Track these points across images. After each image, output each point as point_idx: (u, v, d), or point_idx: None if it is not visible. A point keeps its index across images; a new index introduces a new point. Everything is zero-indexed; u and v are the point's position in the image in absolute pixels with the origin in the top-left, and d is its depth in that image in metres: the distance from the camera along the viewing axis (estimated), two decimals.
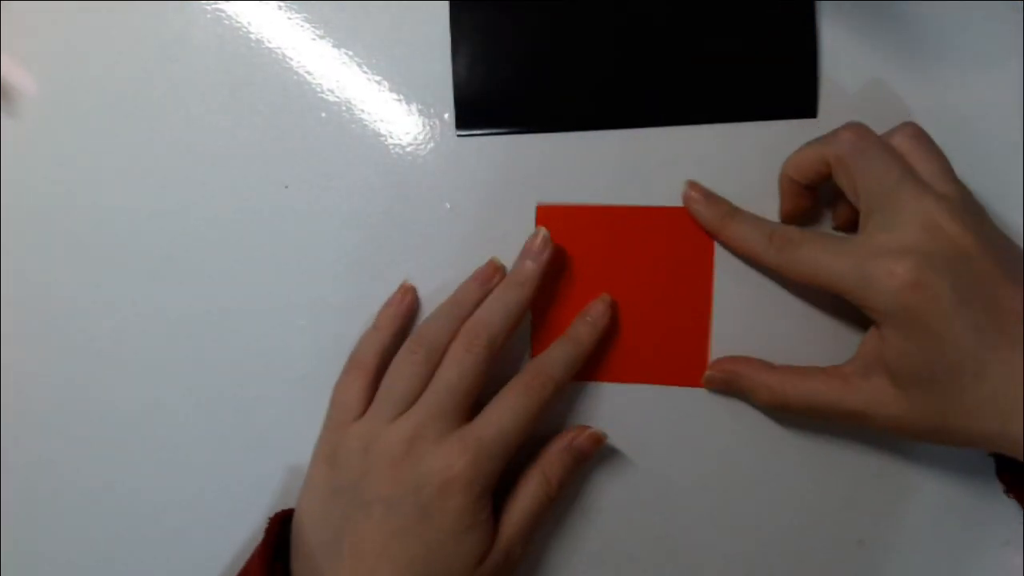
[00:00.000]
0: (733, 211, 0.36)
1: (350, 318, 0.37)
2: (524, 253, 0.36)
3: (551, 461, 0.34)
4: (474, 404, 0.33)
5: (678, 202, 0.37)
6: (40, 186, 0.38)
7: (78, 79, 0.38)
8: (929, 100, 0.38)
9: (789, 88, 0.37)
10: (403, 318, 0.36)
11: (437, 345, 0.34)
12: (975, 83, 0.38)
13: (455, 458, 0.31)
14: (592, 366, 0.37)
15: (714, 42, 0.37)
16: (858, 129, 0.32)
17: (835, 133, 0.33)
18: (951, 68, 0.38)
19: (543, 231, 0.36)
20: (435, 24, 0.37)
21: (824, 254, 0.32)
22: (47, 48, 0.38)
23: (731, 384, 0.36)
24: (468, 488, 0.31)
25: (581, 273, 0.37)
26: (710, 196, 0.36)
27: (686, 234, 0.37)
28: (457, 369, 0.33)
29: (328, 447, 0.34)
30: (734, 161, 0.37)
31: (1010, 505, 0.37)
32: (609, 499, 0.37)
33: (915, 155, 0.32)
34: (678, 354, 0.37)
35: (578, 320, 0.36)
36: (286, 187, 0.38)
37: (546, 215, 0.37)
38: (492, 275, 0.36)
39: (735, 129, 0.37)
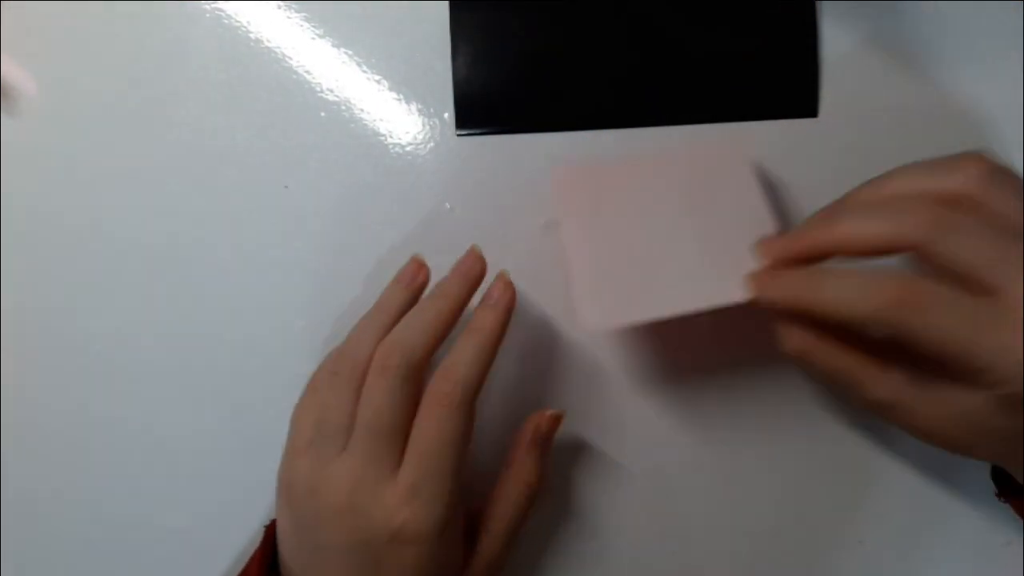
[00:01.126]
0: (812, 273, 0.30)
1: (350, 318, 0.37)
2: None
3: (521, 462, 0.33)
4: (407, 426, 0.31)
5: None
6: (40, 186, 0.38)
7: (78, 79, 0.38)
8: (929, 100, 0.38)
9: (790, 87, 0.37)
10: (412, 300, 0.33)
11: (359, 364, 0.31)
12: (975, 83, 0.38)
13: (395, 509, 0.29)
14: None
15: (715, 41, 0.37)
16: (933, 205, 0.27)
17: (908, 214, 0.27)
18: (951, 68, 0.38)
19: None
20: (435, 24, 0.37)
21: (958, 320, 0.27)
22: (47, 48, 0.38)
23: (802, 362, 0.31)
24: (416, 540, 0.29)
25: (622, 226, 0.33)
26: (776, 272, 0.31)
27: (714, 163, 0.33)
28: (375, 406, 0.30)
29: (285, 479, 0.32)
30: None
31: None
32: (608, 499, 0.37)
33: (997, 202, 0.27)
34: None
35: (480, 307, 0.32)
36: (286, 187, 0.38)
37: (562, 179, 0.34)
38: (416, 273, 0.34)
39: (736, 128, 0.37)
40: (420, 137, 0.38)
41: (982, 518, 0.37)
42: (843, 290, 0.28)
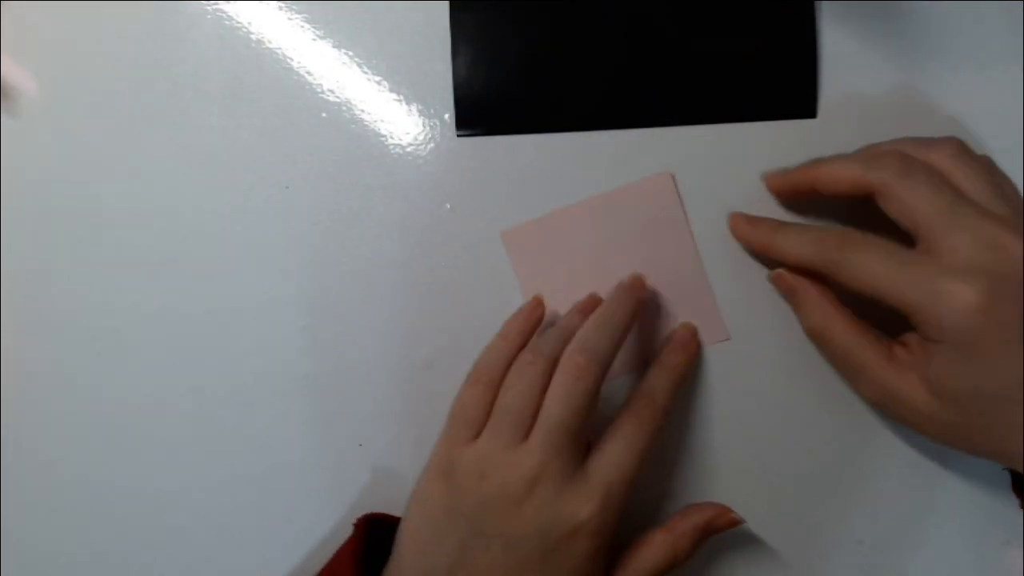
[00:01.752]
0: (778, 225, 0.35)
1: (350, 318, 0.37)
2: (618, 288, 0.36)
3: (684, 534, 0.33)
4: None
5: None
6: (40, 186, 0.38)
7: (78, 79, 0.38)
8: (929, 100, 0.38)
9: (789, 88, 0.37)
10: (531, 332, 0.35)
11: (552, 356, 0.32)
12: (975, 83, 0.38)
13: (581, 504, 0.30)
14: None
15: (714, 42, 0.37)
16: (901, 155, 0.31)
17: (879, 159, 0.31)
18: (951, 68, 0.38)
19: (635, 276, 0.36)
20: (435, 24, 0.37)
21: (888, 263, 0.30)
22: (47, 48, 0.38)
23: (792, 295, 0.35)
24: (596, 535, 0.30)
25: (570, 280, 0.37)
26: (753, 218, 0.36)
27: (651, 206, 0.37)
28: (569, 403, 0.31)
29: (446, 463, 0.32)
30: (734, 161, 0.37)
31: (1010, 505, 0.37)
32: None
33: (958, 174, 0.31)
34: (691, 319, 0.37)
35: (668, 348, 0.36)
36: (286, 187, 0.38)
37: (513, 237, 0.37)
38: (591, 309, 0.35)
39: (735, 129, 0.37)
40: (420, 137, 0.38)
41: (982, 518, 0.37)
42: (796, 234, 0.34)
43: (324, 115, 0.38)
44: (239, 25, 0.38)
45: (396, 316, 0.37)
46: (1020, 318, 0.29)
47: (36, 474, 0.38)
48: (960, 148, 0.32)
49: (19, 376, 0.38)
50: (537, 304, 0.36)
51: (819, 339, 0.34)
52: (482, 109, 0.37)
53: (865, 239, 0.32)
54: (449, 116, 0.38)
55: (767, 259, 0.36)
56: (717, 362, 0.38)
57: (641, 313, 0.36)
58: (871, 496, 0.38)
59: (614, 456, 0.32)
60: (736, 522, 0.34)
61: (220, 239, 0.38)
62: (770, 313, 0.37)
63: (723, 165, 0.37)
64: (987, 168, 0.32)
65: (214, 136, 0.38)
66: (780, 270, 0.35)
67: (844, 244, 0.32)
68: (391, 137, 0.38)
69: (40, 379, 0.38)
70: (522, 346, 0.34)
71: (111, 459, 0.38)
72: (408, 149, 0.38)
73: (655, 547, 0.33)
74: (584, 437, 0.32)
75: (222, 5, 0.38)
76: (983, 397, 0.30)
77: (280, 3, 0.38)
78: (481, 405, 0.32)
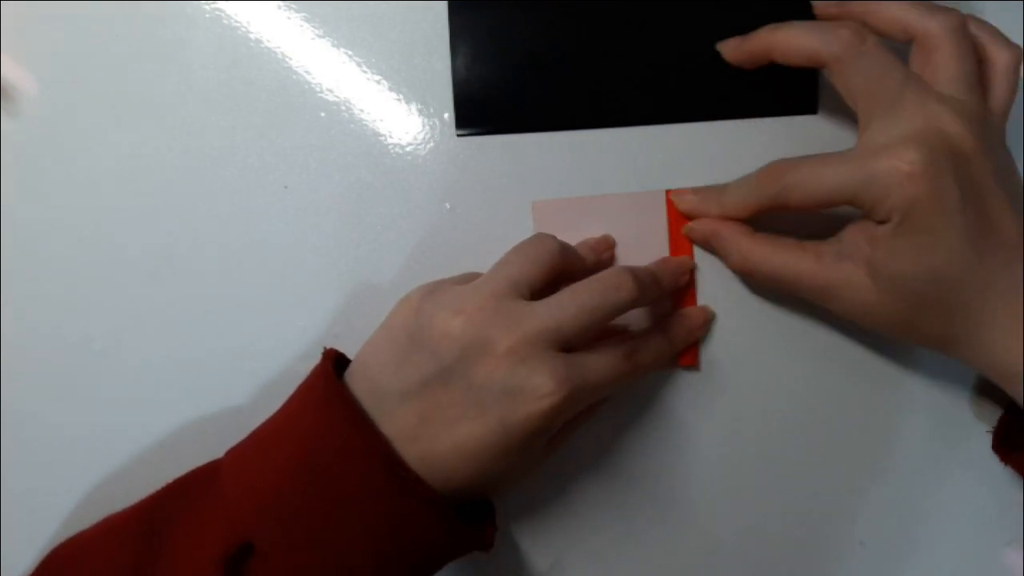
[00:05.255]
0: (721, 189, 0.36)
1: (350, 318, 0.37)
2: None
3: (645, 344, 0.34)
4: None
5: None
6: (40, 186, 0.38)
7: (78, 79, 0.38)
8: None
9: (789, 84, 0.37)
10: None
11: (581, 263, 0.34)
12: None
13: (555, 385, 0.29)
14: None
15: (714, 39, 0.37)
16: (856, 29, 0.31)
17: (832, 30, 0.31)
18: None
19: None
20: (435, 24, 0.37)
21: (821, 168, 0.31)
22: (47, 48, 0.38)
23: (709, 241, 0.36)
24: (552, 417, 0.30)
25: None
26: (697, 191, 0.36)
27: (659, 217, 0.37)
28: (607, 299, 0.31)
29: (420, 292, 0.32)
30: (735, 158, 0.37)
31: (1012, 506, 0.37)
32: (607, 500, 0.37)
33: (941, 52, 0.31)
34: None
35: (677, 324, 0.36)
36: (286, 187, 0.38)
37: (543, 209, 0.37)
38: (684, 272, 0.36)
39: (735, 126, 0.37)
40: (420, 137, 0.38)
41: (983, 520, 0.37)
42: (735, 187, 0.35)
43: (323, 115, 0.38)
44: (238, 25, 0.38)
45: None
46: (958, 194, 0.29)
47: (36, 475, 0.38)
48: (958, 24, 0.31)
49: (19, 376, 0.38)
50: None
51: (746, 271, 0.35)
52: (482, 108, 0.37)
53: (798, 160, 0.32)
54: (449, 115, 0.38)
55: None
56: (719, 361, 0.38)
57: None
58: (872, 498, 0.37)
59: (597, 366, 0.31)
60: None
61: (220, 239, 0.38)
62: (768, 309, 0.37)
63: (724, 162, 0.37)
64: (971, 58, 0.31)
65: (213, 136, 0.38)
66: (690, 223, 0.36)
67: (781, 173, 0.33)
68: (391, 137, 0.38)
69: (40, 379, 0.38)
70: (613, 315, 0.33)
71: (111, 459, 0.38)
72: (408, 149, 0.38)
73: (607, 353, 0.33)
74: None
75: (221, 5, 0.38)
76: (924, 278, 0.30)
77: (279, 3, 0.38)
78: (537, 271, 0.32)
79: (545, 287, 0.32)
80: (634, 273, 0.32)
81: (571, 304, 0.31)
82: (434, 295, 0.31)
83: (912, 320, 0.31)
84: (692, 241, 0.37)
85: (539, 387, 0.29)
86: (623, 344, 0.33)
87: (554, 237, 0.33)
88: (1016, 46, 0.32)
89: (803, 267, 0.33)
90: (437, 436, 0.30)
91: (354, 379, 0.32)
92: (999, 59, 0.32)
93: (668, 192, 0.37)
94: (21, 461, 0.37)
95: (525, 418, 0.30)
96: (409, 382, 0.30)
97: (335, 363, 0.33)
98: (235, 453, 0.32)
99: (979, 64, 0.32)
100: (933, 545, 0.38)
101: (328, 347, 0.33)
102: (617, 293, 0.32)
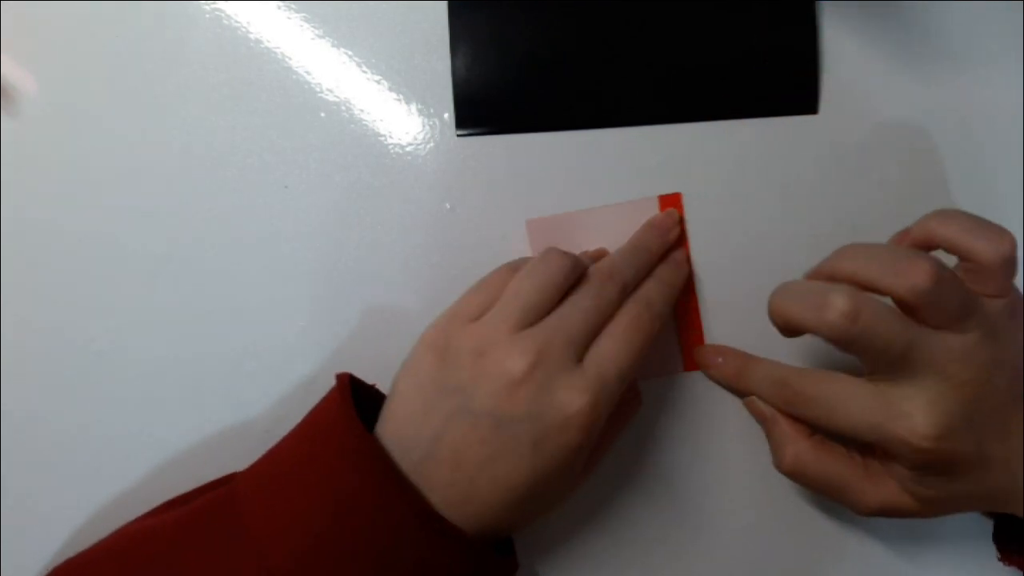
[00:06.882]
0: (747, 361, 0.36)
1: (349, 318, 0.37)
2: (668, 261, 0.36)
3: (643, 302, 0.33)
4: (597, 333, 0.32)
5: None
6: (40, 186, 0.38)
7: (78, 79, 0.38)
8: (929, 97, 0.38)
9: (790, 84, 0.37)
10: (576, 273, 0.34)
11: (578, 268, 0.33)
12: (975, 83, 0.38)
13: (578, 395, 0.30)
14: None
15: (715, 39, 0.37)
16: (849, 309, 0.29)
17: (825, 305, 0.29)
18: (951, 67, 0.38)
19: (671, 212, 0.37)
20: (435, 24, 0.37)
21: (836, 411, 0.32)
22: (47, 48, 0.38)
23: (764, 423, 0.36)
24: (587, 428, 0.30)
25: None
26: (726, 352, 0.37)
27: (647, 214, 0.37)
28: (587, 305, 0.31)
29: (441, 337, 0.32)
30: (735, 158, 0.37)
31: None
32: (606, 500, 0.37)
33: (930, 310, 0.29)
34: (679, 342, 0.38)
35: (665, 265, 0.36)
36: (286, 187, 0.38)
37: (537, 226, 0.37)
38: (672, 226, 0.36)
39: (736, 126, 0.37)
40: (420, 137, 0.38)
41: (984, 520, 0.37)
42: (760, 375, 0.35)
43: (323, 115, 0.38)
44: (238, 25, 0.38)
45: (397, 316, 0.37)
46: (973, 439, 0.30)
47: (36, 475, 0.38)
48: (935, 280, 0.29)
49: (19, 376, 0.38)
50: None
51: (795, 476, 0.34)
52: (482, 108, 0.37)
53: (816, 385, 0.32)
54: (448, 116, 0.38)
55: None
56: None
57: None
58: None
59: (611, 353, 0.31)
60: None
61: (219, 239, 0.38)
62: (747, 288, 0.37)
63: (724, 162, 0.37)
64: (958, 293, 0.30)
65: (213, 136, 0.38)
66: (753, 397, 0.36)
67: (796, 395, 0.33)
68: (391, 137, 0.38)
69: (40, 379, 0.38)
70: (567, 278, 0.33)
71: (111, 460, 0.38)
72: (408, 149, 0.38)
73: (623, 407, 0.35)
74: (591, 341, 0.32)
75: (221, 5, 0.38)
76: (956, 499, 0.32)
77: (279, 3, 0.38)
78: (546, 295, 0.32)
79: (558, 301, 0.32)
80: (622, 258, 0.33)
81: (573, 311, 0.31)
82: (457, 338, 0.31)
83: (961, 508, 0.33)
84: (751, 413, 0.36)
85: (565, 404, 0.30)
86: (623, 317, 0.33)
87: (562, 254, 0.33)
88: (1002, 240, 0.30)
89: (850, 484, 0.33)
90: (473, 479, 0.30)
91: (385, 429, 0.31)
92: (984, 257, 0.30)
93: (660, 198, 0.37)
94: (21, 461, 0.37)
95: (558, 437, 0.30)
96: (438, 429, 0.30)
97: (352, 388, 0.32)
98: (255, 485, 0.31)
99: (965, 269, 0.31)
100: (934, 546, 0.38)
101: (340, 373, 0.33)
102: (612, 282, 0.32)
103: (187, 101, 0.38)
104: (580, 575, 0.37)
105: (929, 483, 0.31)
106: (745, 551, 0.38)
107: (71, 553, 0.33)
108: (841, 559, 0.38)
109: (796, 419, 0.34)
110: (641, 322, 0.32)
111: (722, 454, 0.38)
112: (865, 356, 0.30)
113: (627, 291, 0.33)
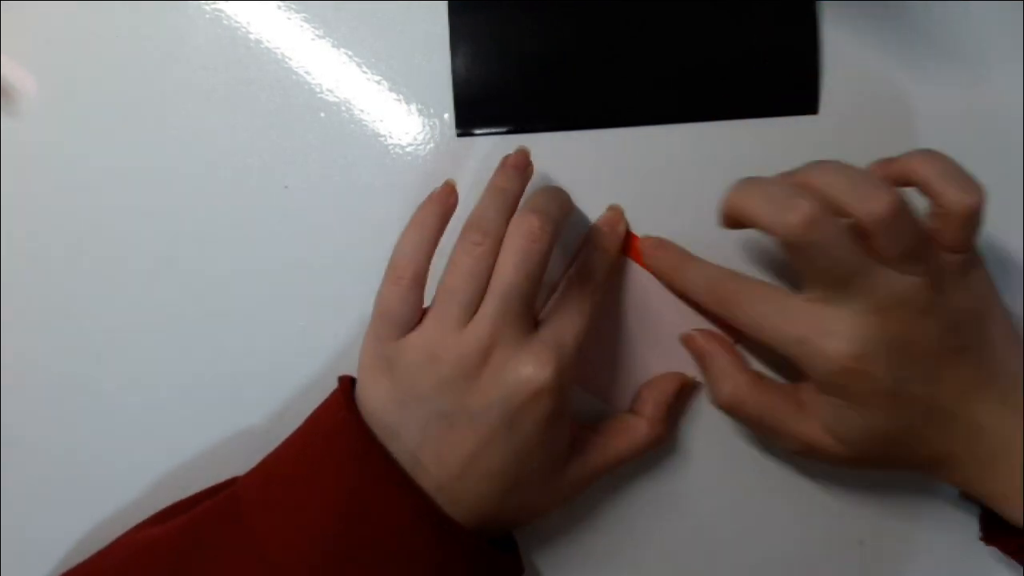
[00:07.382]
0: (687, 257, 0.36)
1: (349, 318, 0.37)
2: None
3: (659, 418, 0.35)
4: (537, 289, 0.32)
5: (677, 198, 0.37)
6: (40, 186, 0.38)
7: (78, 79, 0.38)
8: (929, 97, 0.38)
9: (790, 84, 0.37)
10: (447, 217, 0.33)
11: (499, 234, 0.31)
12: (975, 83, 0.38)
13: (541, 366, 0.30)
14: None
15: (715, 39, 0.37)
16: (811, 215, 0.28)
17: (790, 206, 0.29)
18: (951, 67, 0.38)
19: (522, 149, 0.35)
20: (435, 24, 0.37)
21: (766, 318, 0.32)
22: (47, 48, 0.38)
23: (701, 359, 0.36)
24: (554, 394, 0.30)
25: None
26: (668, 246, 0.37)
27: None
28: (524, 267, 0.31)
29: (382, 361, 0.32)
30: (735, 158, 0.37)
31: None
32: (606, 502, 0.37)
33: (886, 240, 0.29)
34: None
35: (597, 232, 0.36)
36: (286, 187, 0.38)
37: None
38: (526, 164, 0.35)
39: (736, 126, 0.37)
40: (420, 137, 0.38)
41: (971, 506, 0.37)
42: (694, 272, 0.35)
43: (323, 115, 0.38)
44: (238, 25, 0.38)
45: None
46: (891, 376, 0.30)
47: (36, 474, 0.38)
48: (897, 210, 0.29)
49: (19, 376, 0.38)
50: (451, 190, 0.34)
51: (733, 411, 0.34)
52: (482, 108, 0.37)
53: (744, 291, 0.33)
54: (449, 116, 0.38)
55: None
56: None
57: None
58: (871, 497, 0.37)
59: (564, 319, 0.32)
60: (696, 382, 0.37)
61: (219, 239, 0.38)
62: None
63: (724, 162, 0.37)
64: (912, 231, 0.30)
65: (213, 136, 0.38)
66: (691, 332, 0.36)
67: (726, 300, 0.33)
68: (391, 137, 0.38)
69: (40, 379, 0.38)
70: (440, 232, 0.33)
71: (110, 460, 0.38)
72: (408, 149, 0.38)
73: (633, 430, 0.34)
74: (535, 305, 0.32)
75: (221, 5, 0.38)
76: (873, 438, 0.31)
77: (279, 3, 0.38)
78: (408, 303, 0.32)
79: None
80: (535, 211, 0.32)
81: (513, 273, 0.31)
82: (397, 358, 0.31)
83: (882, 462, 0.33)
84: (688, 349, 0.36)
85: (529, 377, 0.30)
86: (572, 284, 0.33)
87: (416, 233, 0.32)
88: (971, 192, 0.30)
89: (784, 419, 0.33)
90: (461, 476, 0.30)
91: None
92: (949, 204, 0.30)
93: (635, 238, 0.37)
94: (21, 463, 0.37)
95: (530, 411, 0.30)
96: (416, 439, 0.31)
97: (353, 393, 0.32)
98: (258, 489, 0.31)
99: (931, 214, 0.31)
100: (933, 545, 0.38)
101: (343, 375, 0.33)
102: (538, 238, 0.31)
103: (187, 101, 0.38)
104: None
105: (846, 417, 0.31)
106: (745, 551, 0.38)
107: (74, 562, 0.33)
108: (841, 558, 0.38)
109: (723, 324, 0.35)
110: (585, 291, 0.33)
111: (722, 455, 0.37)
112: (810, 268, 0.30)
113: (558, 231, 0.32)
